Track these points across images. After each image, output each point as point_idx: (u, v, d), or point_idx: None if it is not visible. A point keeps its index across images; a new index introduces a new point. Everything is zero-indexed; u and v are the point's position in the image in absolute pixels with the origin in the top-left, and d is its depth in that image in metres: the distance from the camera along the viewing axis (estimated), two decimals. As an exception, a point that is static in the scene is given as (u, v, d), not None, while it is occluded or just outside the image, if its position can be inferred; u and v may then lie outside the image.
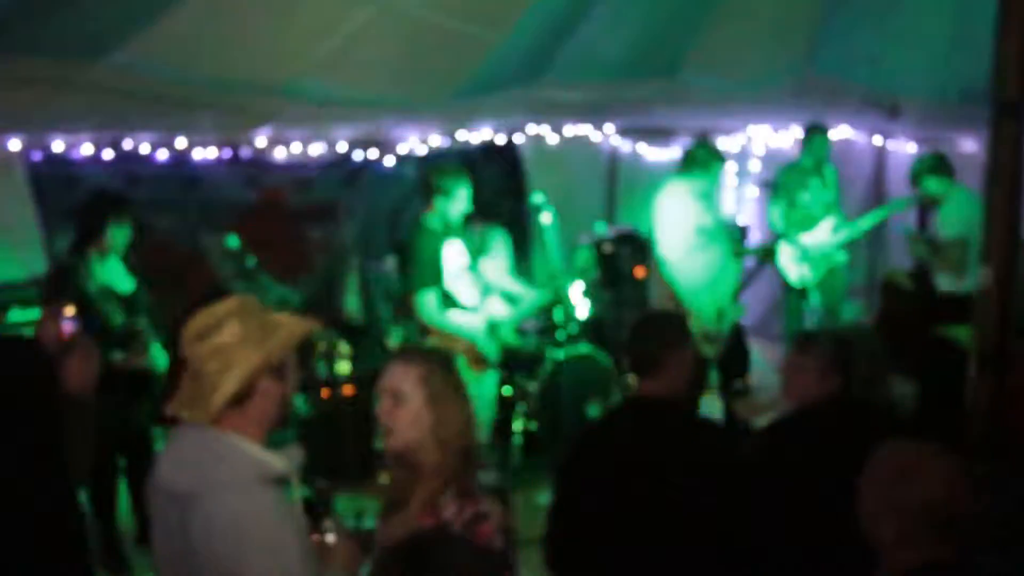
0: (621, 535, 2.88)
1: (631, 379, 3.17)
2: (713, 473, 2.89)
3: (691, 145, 6.10)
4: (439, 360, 2.58)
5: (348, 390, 5.60)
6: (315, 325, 2.44)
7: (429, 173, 5.19)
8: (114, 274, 4.69)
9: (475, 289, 5.27)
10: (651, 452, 2.90)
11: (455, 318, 5.08)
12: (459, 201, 5.08)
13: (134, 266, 4.82)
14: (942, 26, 5.68)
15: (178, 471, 2.24)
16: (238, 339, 2.22)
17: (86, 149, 5.36)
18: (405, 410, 2.47)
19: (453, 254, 5.16)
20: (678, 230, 5.72)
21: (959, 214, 5.86)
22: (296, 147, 6.05)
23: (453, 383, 2.55)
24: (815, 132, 6.76)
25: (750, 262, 6.52)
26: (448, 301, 5.11)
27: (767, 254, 6.37)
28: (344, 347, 5.71)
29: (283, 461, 2.28)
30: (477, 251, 5.35)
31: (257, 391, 2.25)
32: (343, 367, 5.70)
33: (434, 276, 5.04)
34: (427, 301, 5.02)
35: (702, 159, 5.76)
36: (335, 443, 5.41)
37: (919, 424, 3.92)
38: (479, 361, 5.15)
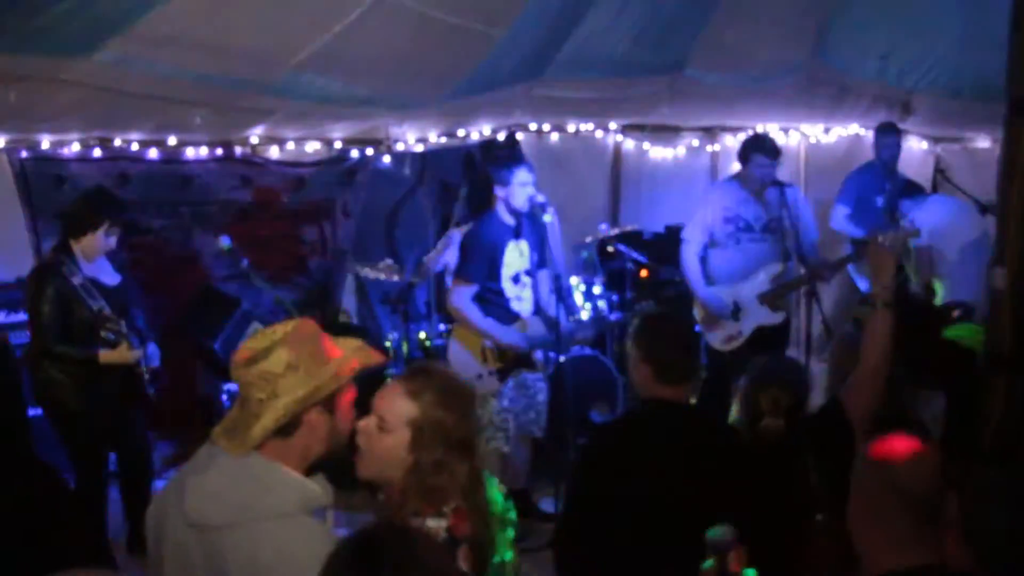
0: (644, 540, 2.85)
1: (641, 382, 3.07)
2: (741, 478, 2.89)
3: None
4: (451, 401, 2.33)
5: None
6: (379, 357, 2.31)
7: (495, 165, 5.07)
8: (99, 268, 4.61)
9: (532, 288, 5.15)
10: (679, 457, 2.89)
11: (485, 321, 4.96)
12: (522, 189, 4.93)
13: (122, 263, 4.77)
14: (955, 21, 5.60)
15: (211, 501, 2.11)
16: (285, 368, 2.13)
17: (75, 147, 5.31)
18: (385, 440, 2.30)
19: (513, 255, 5.04)
20: (702, 218, 5.70)
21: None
22: (290, 145, 6.03)
23: (452, 434, 2.30)
24: (884, 130, 6.60)
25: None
26: (491, 297, 5.00)
27: (798, 283, 5.83)
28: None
29: (325, 490, 2.19)
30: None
31: (303, 423, 2.15)
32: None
33: (486, 271, 4.93)
34: (461, 292, 4.91)
35: (748, 151, 5.66)
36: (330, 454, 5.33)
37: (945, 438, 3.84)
38: (499, 359, 5.01)
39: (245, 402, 2.17)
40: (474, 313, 4.92)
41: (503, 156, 5.16)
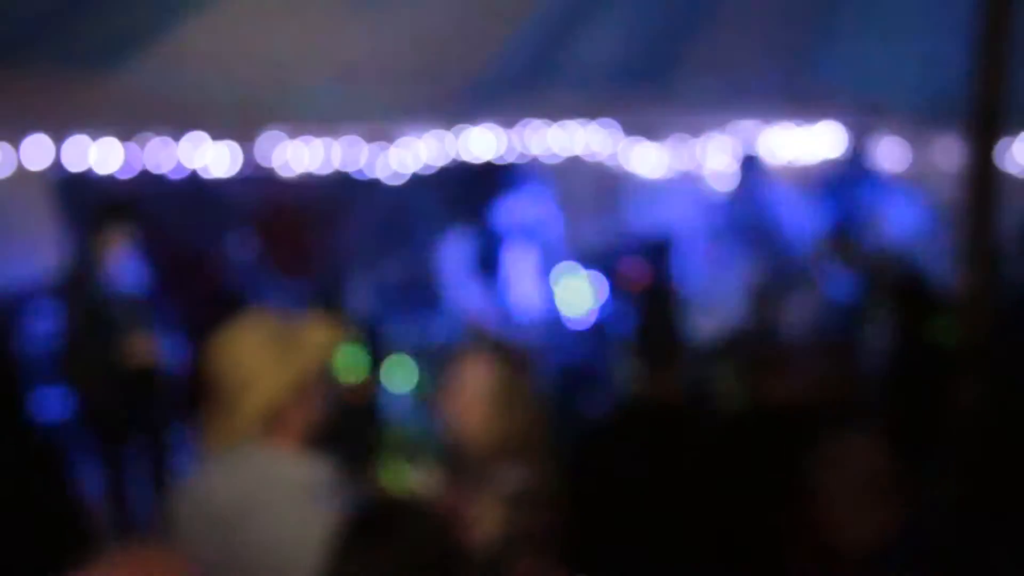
0: (634, 535, 2.90)
1: (637, 379, 3.23)
2: (730, 473, 2.94)
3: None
4: (513, 361, 2.60)
5: (350, 390, 5.68)
6: (340, 335, 2.39)
7: (496, 170, 5.36)
8: (123, 274, 4.79)
9: (532, 290, 5.40)
10: (667, 453, 2.94)
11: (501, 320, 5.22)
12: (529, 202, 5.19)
13: (143, 267, 4.91)
14: (927, 35, 5.77)
15: (222, 491, 2.17)
16: (259, 360, 2.17)
17: (102, 155, 5.46)
18: (470, 405, 2.53)
19: (518, 256, 5.29)
20: (696, 219, 5.91)
21: None
22: (302, 152, 6.16)
23: (522, 386, 2.57)
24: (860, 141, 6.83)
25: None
26: (500, 295, 5.25)
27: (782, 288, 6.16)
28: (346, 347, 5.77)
29: (331, 471, 2.26)
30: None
31: (283, 411, 2.22)
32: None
33: (490, 272, 5.22)
34: (473, 292, 5.19)
35: (741, 161, 5.85)
36: (336, 443, 5.48)
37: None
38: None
39: (222, 398, 2.20)
40: (490, 312, 5.19)
41: (521, 165, 5.35)
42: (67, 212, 5.46)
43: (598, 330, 6.47)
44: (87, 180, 5.39)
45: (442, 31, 5.10)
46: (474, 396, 2.54)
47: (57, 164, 5.34)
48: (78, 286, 4.61)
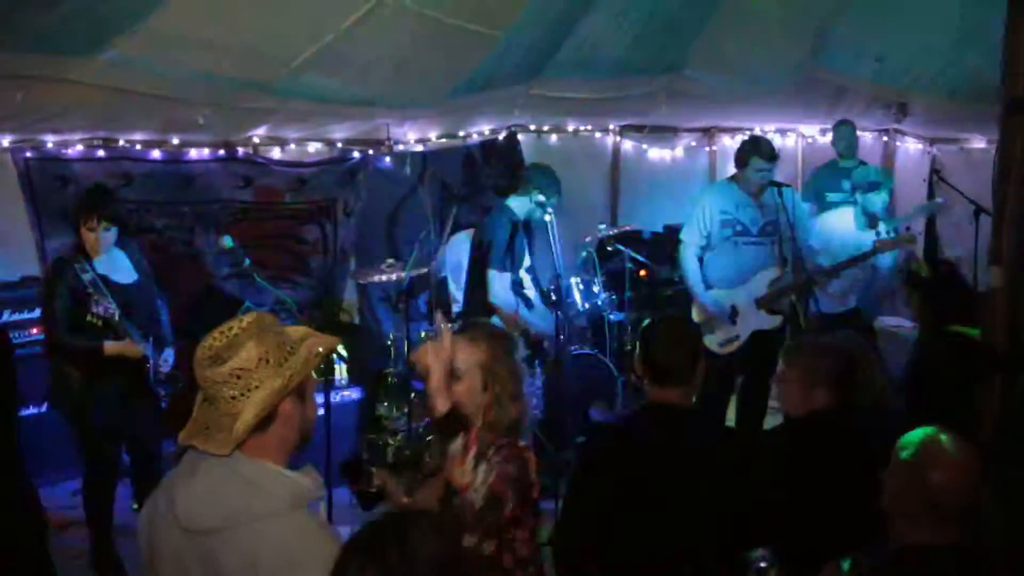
0: (642, 540, 2.85)
1: (643, 384, 3.08)
2: (738, 480, 2.86)
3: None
4: (503, 344, 2.73)
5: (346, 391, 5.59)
6: (335, 340, 2.32)
7: (530, 167, 5.54)
8: (113, 266, 4.63)
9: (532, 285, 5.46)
10: (678, 459, 2.87)
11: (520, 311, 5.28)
12: (546, 204, 5.20)
13: (138, 262, 4.76)
14: (950, 23, 5.62)
15: (203, 505, 2.08)
16: (255, 362, 2.09)
17: (79, 147, 5.34)
18: (460, 386, 2.65)
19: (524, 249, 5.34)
20: (698, 220, 5.68)
21: None
22: (292, 145, 6.04)
23: (511, 369, 2.70)
24: (838, 125, 6.74)
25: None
26: (516, 288, 5.29)
27: (795, 288, 5.68)
28: (341, 347, 5.65)
29: (313, 482, 2.18)
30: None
31: (278, 415, 2.14)
32: (340, 367, 5.68)
33: (512, 260, 5.24)
34: (499, 280, 5.21)
35: (745, 155, 5.66)
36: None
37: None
38: (535, 348, 5.32)
39: (214, 401, 2.12)
40: (511, 303, 5.23)
41: (549, 171, 5.41)
42: (44, 204, 5.33)
43: (600, 320, 6.34)
44: (64, 172, 5.30)
45: (441, 22, 4.92)
46: (459, 382, 2.66)
47: (33, 155, 5.25)
48: (64, 276, 4.46)
